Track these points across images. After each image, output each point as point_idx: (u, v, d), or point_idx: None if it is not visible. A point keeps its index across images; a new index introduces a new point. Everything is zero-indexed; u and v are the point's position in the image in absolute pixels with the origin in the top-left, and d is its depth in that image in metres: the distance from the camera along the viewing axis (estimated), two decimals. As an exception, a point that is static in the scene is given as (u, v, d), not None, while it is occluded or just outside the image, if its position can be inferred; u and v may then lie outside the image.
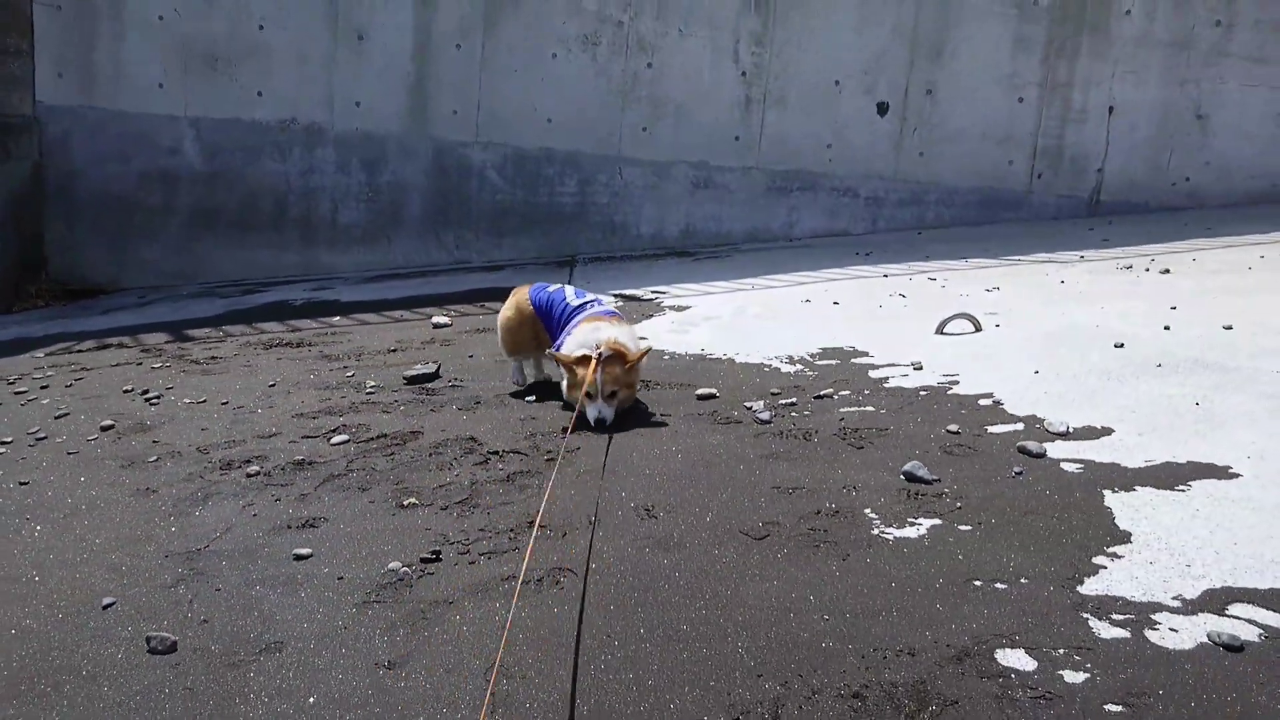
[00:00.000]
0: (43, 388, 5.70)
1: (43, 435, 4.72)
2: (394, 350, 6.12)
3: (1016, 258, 8.14)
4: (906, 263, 8.25)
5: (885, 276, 7.71)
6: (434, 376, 5.30)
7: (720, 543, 3.08)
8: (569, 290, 4.86)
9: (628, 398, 4.37)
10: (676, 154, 10.28)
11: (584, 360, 4.24)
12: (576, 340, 4.40)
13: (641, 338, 5.00)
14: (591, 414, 4.22)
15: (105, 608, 2.92)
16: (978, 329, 5.67)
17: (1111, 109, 10.17)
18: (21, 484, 4.07)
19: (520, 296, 4.94)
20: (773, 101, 10.23)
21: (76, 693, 2.48)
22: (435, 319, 6.96)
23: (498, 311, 7.25)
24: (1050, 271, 7.40)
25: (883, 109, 10.28)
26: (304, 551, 3.23)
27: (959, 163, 10.32)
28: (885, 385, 4.72)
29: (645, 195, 10.31)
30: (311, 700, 2.38)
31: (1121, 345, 5.01)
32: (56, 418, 5.02)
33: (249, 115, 10.04)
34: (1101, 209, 10.36)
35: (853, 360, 5.23)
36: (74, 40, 9.80)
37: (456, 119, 10.15)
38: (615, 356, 4.24)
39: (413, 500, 3.56)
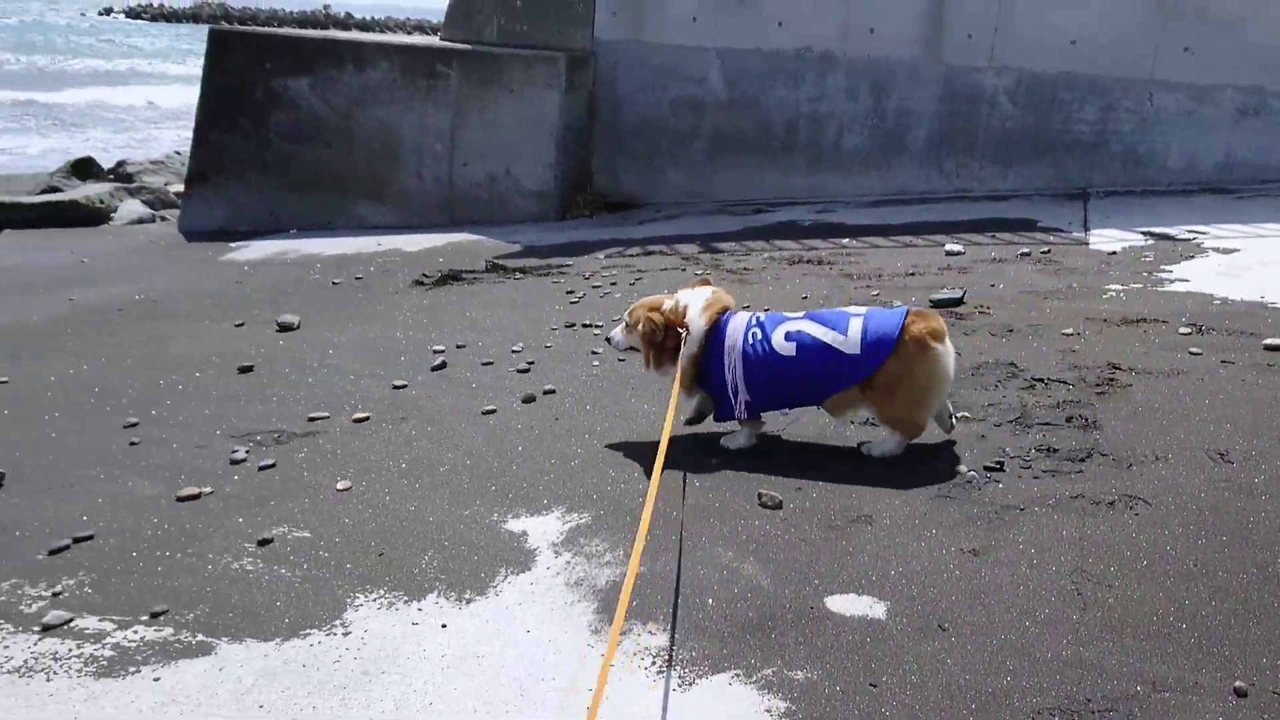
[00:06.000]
0: (612, 284, 6.80)
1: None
2: (911, 274, 6.36)
3: None
4: None
5: None
6: (959, 301, 5.46)
7: (1314, 498, 2.94)
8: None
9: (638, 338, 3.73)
10: (1222, 77, 9.13)
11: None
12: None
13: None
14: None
15: (713, 465, 3.56)
16: None
17: None
18: (620, 360, 4.97)
19: None
20: (1361, 12, 8.63)
21: (687, 523, 3.10)
22: (948, 246, 7.07)
23: (1010, 243, 7.23)
24: None
25: None
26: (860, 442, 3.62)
27: None
28: None
29: (1178, 123, 9.33)
30: (894, 572, 2.75)
31: None
32: (631, 310, 6.00)
33: (768, 45, 10.69)
34: None
35: None
36: (627, -20, 11.12)
37: (970, 44, 9.93)
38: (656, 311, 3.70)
39: (965, 414, 3.80)
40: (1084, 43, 9.53)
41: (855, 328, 3.38)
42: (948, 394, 3.46)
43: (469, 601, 2.75)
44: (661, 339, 3.64)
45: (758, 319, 3.61)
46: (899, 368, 3.30)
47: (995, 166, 10.05)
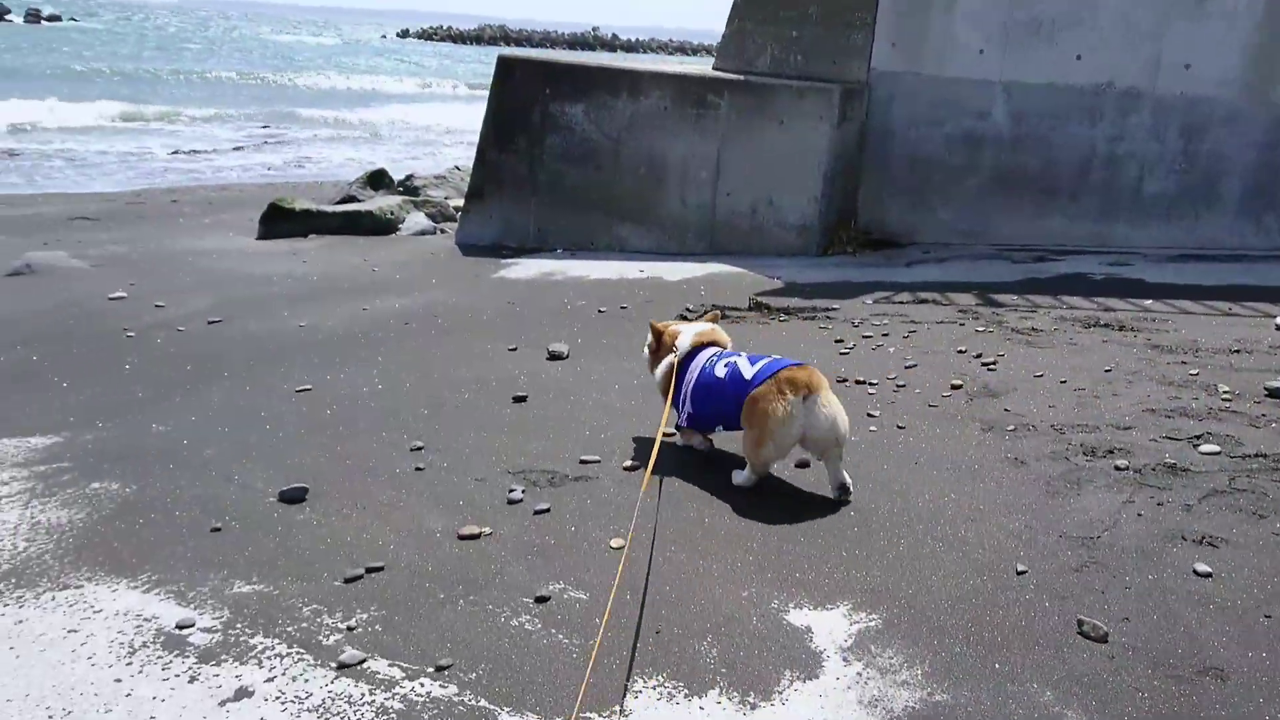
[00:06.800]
0: (884, 335, 6.45)
1: (902, 384, 5.34)
2: (1236, 351, 5.59)
3: None
4: None
5: None
6: (1305, 393, 4.72)
7: None
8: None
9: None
10: None
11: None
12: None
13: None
14: None
15: (1019, 574, 3.20)
16: None
17: None
18: (899, 427, 4.66)
19: None
20: None
21: (993, 644, 2.76)
22: (1279, 319, 6.18)
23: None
24: None
25: None
26: (1203, 569, 3.14)
27: None
28: None
29: None
30: (1268, 745, 2.30)
31: None
32: (906, 368, 5.64)
33: (1063, 79, 9.91)
34: None
35: None
36: (909, 11, 10.66)
37: (1309, 83, 8.75)
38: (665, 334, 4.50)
39: (1331, 545, 3.22)
40: None
41: (759, 365, 3.94)
42: (794, 444, 3.78)
43: (754, 707, 2.56)
44: (655, 350, 4.48)
45: (722, 353, 4.23)
46: (751, 404, 3.82)
47: (1331, 224, 8.80)
